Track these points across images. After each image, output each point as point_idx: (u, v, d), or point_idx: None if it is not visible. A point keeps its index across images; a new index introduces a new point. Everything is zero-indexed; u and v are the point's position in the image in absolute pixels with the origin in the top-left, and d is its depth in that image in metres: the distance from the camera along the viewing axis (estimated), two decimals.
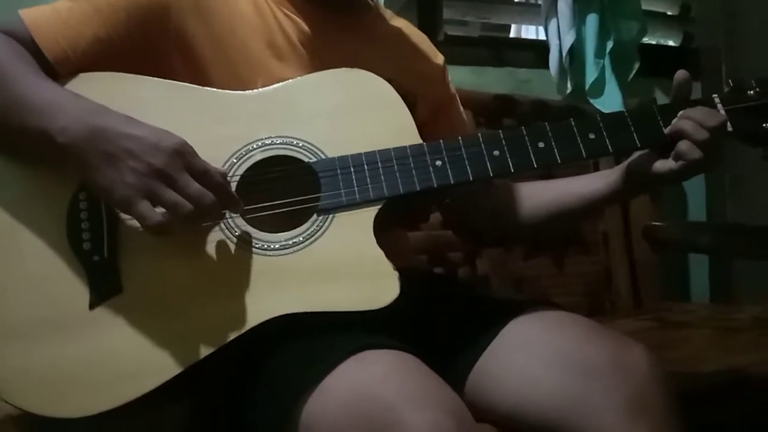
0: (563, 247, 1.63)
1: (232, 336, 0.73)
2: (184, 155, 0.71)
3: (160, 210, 0.70)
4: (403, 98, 0.85)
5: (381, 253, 0.75)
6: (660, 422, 0.74)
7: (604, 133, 0.81)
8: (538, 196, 0.98)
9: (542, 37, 1.88)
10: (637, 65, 1.84)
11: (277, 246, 0.76)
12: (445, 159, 0.80)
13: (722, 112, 0.82)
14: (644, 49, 1.88)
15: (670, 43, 2.24)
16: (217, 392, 0.81)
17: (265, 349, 0.75)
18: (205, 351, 0.72)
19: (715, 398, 1.06)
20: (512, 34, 2.14)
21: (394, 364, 0.69)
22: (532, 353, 0.80)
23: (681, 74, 0.84)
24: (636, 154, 0.87)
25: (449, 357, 0.83)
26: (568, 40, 1.77)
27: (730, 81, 0.85)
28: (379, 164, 0.79)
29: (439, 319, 0.88)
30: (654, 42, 2.18)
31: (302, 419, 0.68)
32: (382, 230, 0.78)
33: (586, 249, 1.66)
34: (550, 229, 1.05)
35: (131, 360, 0.73)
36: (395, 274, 0.74)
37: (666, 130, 0.82)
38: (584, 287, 1.63)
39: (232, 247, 0.76)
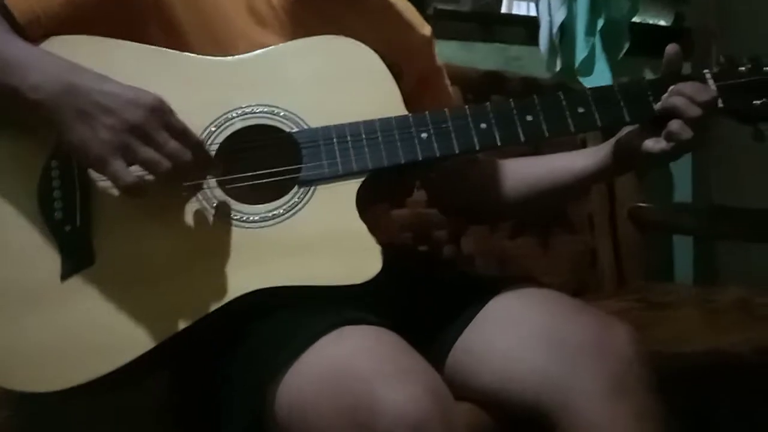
0: (549, 226, 1.62)
1: (209, 310, 0.71)
2: (162, 112, 0.69)
3: (136, 170, 0.68)
4: (388, 68, 0.83)
5: (363, 226, 0.74)
6: (641, 402, 0.74)
7: (593, 108, 0.80)
8: (525, 171, 0.97)
9: (533, 13, 1.85)
10: (627, 44, 1.83)
11: (256, 218, 0.74)
12: (431, 131, 0.78)
13: (713, 88, 0.81)
14: (635, 28, 1.86)
15: (662, 22, 2.22)
16: (195, 365, 0.80)
17: (243, 323, 0.74)
18: (180, 325, 0.71)
19: (697, 378, 1.06)
20: (503, 11, 2.11)
21: (371, 340, 0.69)
22: (514, 331, 0.80)
23: (672, 48, 0.82)
24: (625, 130, 0.85)
25: (430, 334, 0.83)
26: (559, 17, 1.75)
27: (721, 57, 0.84)
28: (363, 136, 0.77)
29: (421, 296, 0.87)
30: (645, 21, 2.16)
31: (278, 393, 0.67)
32: (365, 204, 0.76)
33: (571, 229, 1.66)
34: (537, 205, 1.04)
35: (103, 333, 0.71)
36: (377, 248, 0.73)
37: (656, 106, 0.80)
38: (569, 267, 1.63)
39: (210, 218, 0.74)
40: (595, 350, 0.75)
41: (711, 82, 0.82)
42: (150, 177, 0.69)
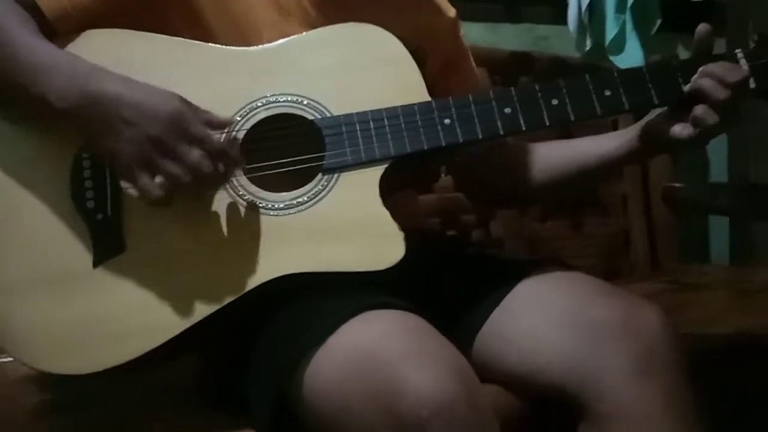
0: (581, 208, 1.61)
1: (235, 296, 0.73)
2: (181, 122, 0.69)
3: (160, 180, 0.69)
4: (412, 54, 0.83)
5: (386, 213, 0.74)
6: (668, 383, 0.73)
7: (621, 90, 0.79)
8: (552, 155, 0.96)
9: None
10: (659, 21, 1.79)
11: (281, 205, 0.75)
12: (454, 117, 0.78)
13: (745, 68, 0.79)
14: (667, 4, 1.82)
15: None
16: (224, 348, 0.82)
17: (269, 309, 0.75)
18: (208, 309, 0.73)
19: (726, 360, 1.05)
20: None
21: (397, 323, 0.69)
22: (541, 312, 0.79)
23: (702, 27, 0.80)
24: (654, 113, 0.84)
25: (457, 317, 0.83)
26: None
27: (755, 36, 0.81)
28: (386, 122, 0.77)
29: (447, 280, 0.87)
30: None
31: (305, 377, 0.68)
32: (389, 190, 0.76)
33: (604, 211, 1.64)
34: (565, 189, 1.02)
35: (135, 317, 0.73)
36: (401, 235, 0.73)
37: (685, 88, 0.79)
38: (601, 249, 1.61)
39: (236, 206, 0.75)
40: (622, 330, 0.74)
41: (743, 62, 0.80)
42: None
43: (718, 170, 2.01)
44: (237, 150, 0.74)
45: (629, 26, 1.76)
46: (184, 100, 0.71)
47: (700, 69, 0.78)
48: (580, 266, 0.88)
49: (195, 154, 0.69)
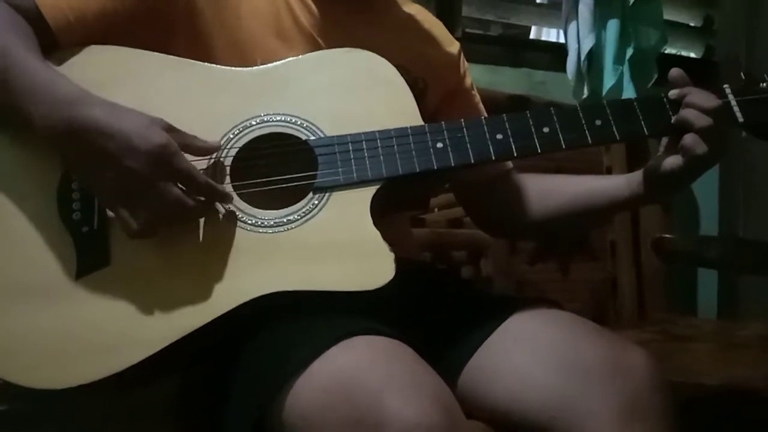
0: (570, 252, 1.60)
1: (219, 313, 0.71)
2: (165, 156, 0.69)
3: (141, 213, 0.69)
4: (412, 84, 0.84)
5: (377, 233, 0.74)
6: (653, 428, 0.72)
7: (611, 120, 0.80)
8: (559, 189, 0.97)
9: (562, 40, 1.86)
10: (655, 75, 1.82)
11: (270, 223, 0.75)
12: (447, 141, 0.78)
13: (733, 102, 0.81)
14: (665, 59, 1.86)
15: (692, 54, 2.21)
16: (202, 370, 0.80)
17: (253, 328, 0.73)
18: (191, 326, 0.71)
19: (714, 410, 1.04)
20: (532, 36, 2.12)
21: (382, 350, 0.68)
22: (529, 350, 0.78)
23: (675, 71, 0.83)
24: (655, 158, 0.84)
25: (444, 350, 0.82)
26: (587, 44, 1.75)
27: (742, 74, 0.84)
28: (379, 144, 0.77)
29: (436, 311, 0.86)
30: (675, 52, 2.16)
31: (286, 402, 0.66)
32: (380, 214, 0.76)
33: (592, 256, 1.64)
34: (569, 224, 1.05)
35: (113, 333, 0.71)
36: (391, 256, 0.72)
37: (673, 119, 0.80)
38: (589, 294, 1.60)
39: (225, 222, 0.75)
40: (609, 372, 0.73)
41: (731, 96, 0.82)
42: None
43: (709, 223, 2.02)
44: (224, 176, 0.75)
45: (626, 77, 1.79)
46: (171, 128, 0.71)
47: (684, 100, 0.80)
48: (567, 310, 0.87)
49: (175, 191, 0.69)
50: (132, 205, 0.69)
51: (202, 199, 0.72)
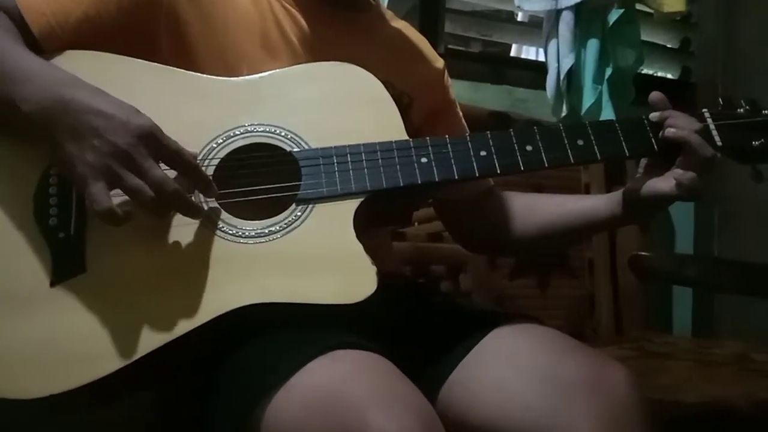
0: (548, 269, 1.61)
1: (198, 323, 0.70)
2: (152, 137, 0.68)
3: (122, 197, 0.67)
4: (397, 99, 0.84)
5: (360, 246, 0.73)
6: None
7: (593, 140, 0.81)
8: (540, 208, 0.98)
9: (542, 58, 1.88)
10: (633, 95, 1.84)
11: (252, 233, 0.74)
12: (431, 156, 0.78)
13: (712, 126, 0.83)
14: (642, 79, 1.89)
15: (669, 75, 2.25)
16: (180, 383, 0.78)
17: (233, 341, 0.72)
18: (167, 337, 0.69)
19: (693, 428, 1.04)
20: (512, 54, 2.14)
21: (363, 364, 0.67)
22: (510, 366, 0.78)
23: (655, 95, 0.85)
24: (633, 179, 0.86)
25: (425, 365, 0.81)
26: (567, 63, 1.77)
27: (720, 99, 0.86)
28: (363, 157, 0.77)
29: (417, 326, 0.86)
30: (653, 73, 2.19)
31: (266, 416, 0.66)
32: (363, 227, 0.76)
33: (571, 273, 1.65)
34: (548, 243, 1.05)
35: (87, 343, 0.69)
36: (373, 269, 0.72)
37: (656, 142, 0.82)
38: (566, 311, 1.62)
39: (204, 232, 0.73)
40: (589, 388, 0.73)
41: (710, 120, 0.83)
42: (131, 206, 0.68)
43: (684, 242, 2.05)
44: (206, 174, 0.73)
45: (605, 97, 1.81)
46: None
47: (665, 123, 0.82)
48: (545, 326, 0.87)
49: (159, 171, 0.67)
50: (110, 182, 0.67)
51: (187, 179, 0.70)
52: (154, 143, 0.68)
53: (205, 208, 0.74)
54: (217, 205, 0.75)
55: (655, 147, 0.82)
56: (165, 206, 0.70)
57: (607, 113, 1.79)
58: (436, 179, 0.78)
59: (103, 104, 0.69)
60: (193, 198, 0.72)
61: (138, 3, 0.81)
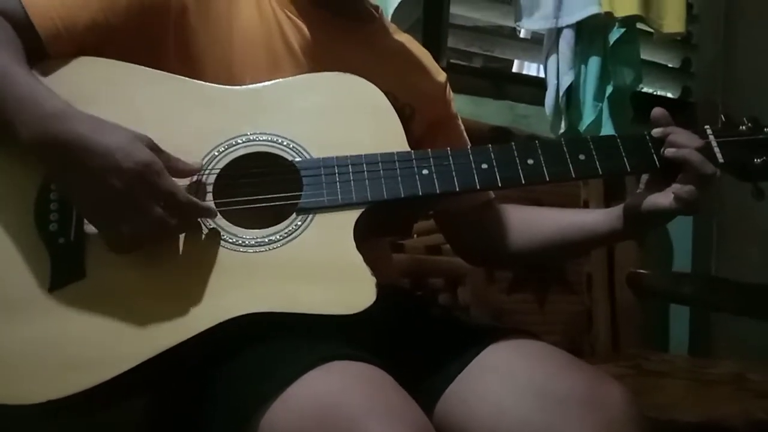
0: (546, 284, 1.61)
1: (196, 331, 0.70)
2: (148, 175, 0.68)
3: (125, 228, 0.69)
4: (399, 110, 0.85)
5: (359, 257, 0.73)
6: None
7: (595, 155, 0.81)
8: (539, 221, 0.98)
9: (543, 75, 1.88)
10: (630, 115, 1.85)
11: (252, 242, 0.74)
12: (432, 168, 0.78)
13: (714, 143, 0.83)
14: (643, 98, 1.89)
15: (669, 94, 2.26)
16: (174, 392, 0.78)
17: (230, 350, 0.72)
18: (165, 344, 0.70)
19: None
20: (514, 70, 2.15)
21: (360, 376, 0.67)
22: (506, 381, 0.78)
23: (657, 111, 0.85)
24: (634, 194, 0.86)
25: (422, 378, 0.81)
26: (566, 80, 1.78)
27: (722, 116, 0.86)
28: (365, 167, 0.77)
29: (415, 339, 0.86)
30: (653, 92, 2.20)
31: (261, 426, 0.65)
32: (363, 238, 0.76)
33: (569, 289, 1.65)
34: (546, 256, 1.08)
35: (85, 349, 0.69)
36: (372, 280, 0.72)
37: (658, 158, 0.82)
38: (564, 327, 1.61)
39: (204, 240, 0.74)
40: (585, 404, 0.73)
41: (712, 137, 0.84)
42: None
43: (682, 260, 2.05)
44: (206, 194, 0.74)
45: (605, 115, 1.81)
46: (154, 147, 0.70)
47: (667, 139, 0.82)
48: (543, 341, 0.87)
49: (158, 211, 0.68)
50: (114, 222, 0.68)
51: (185, 217, 0.71)
52: (151, 181, 0.68)
53: (205, 230, 0.75)
54: (218, 214, 0.75)
55: (657, 163, 0.82)
56: (167, 238, 0.72)
57: (607, 131, 1.79)
58: (438, 191, 0.78)
59: (100, 139, 0.68)
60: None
61: (146, 10, 0.81)
